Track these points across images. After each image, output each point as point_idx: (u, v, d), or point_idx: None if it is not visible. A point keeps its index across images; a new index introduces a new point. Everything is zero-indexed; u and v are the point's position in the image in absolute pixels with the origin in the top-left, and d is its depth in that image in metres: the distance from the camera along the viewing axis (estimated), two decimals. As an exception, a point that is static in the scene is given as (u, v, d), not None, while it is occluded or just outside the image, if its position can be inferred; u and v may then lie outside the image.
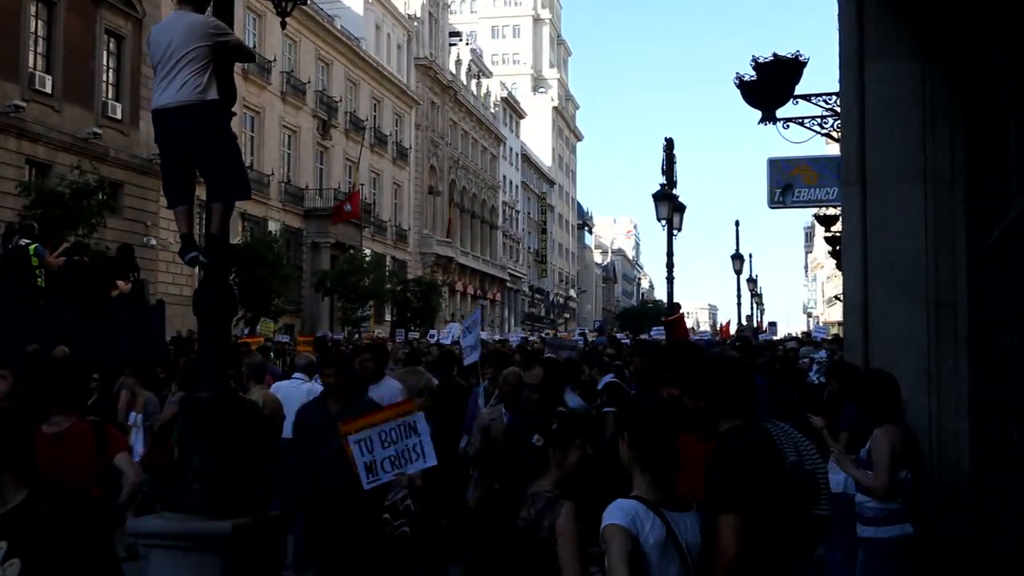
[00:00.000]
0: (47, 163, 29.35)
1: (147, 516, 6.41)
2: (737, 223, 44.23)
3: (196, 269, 6.22)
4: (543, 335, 31.61)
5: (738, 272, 44.22)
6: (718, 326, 71.97)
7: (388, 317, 50.29)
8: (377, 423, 6.77)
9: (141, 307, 15.31)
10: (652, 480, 3.95)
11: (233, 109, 6.35)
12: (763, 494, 4.09)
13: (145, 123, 32.18)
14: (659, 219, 24.17)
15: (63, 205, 23.20)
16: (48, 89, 29.75)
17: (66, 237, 15.88)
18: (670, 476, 3.99)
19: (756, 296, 61.61)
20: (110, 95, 32.92)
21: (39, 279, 13.63)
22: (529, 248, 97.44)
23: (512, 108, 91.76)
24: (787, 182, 17.01)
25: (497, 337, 38.47)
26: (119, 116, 32.82)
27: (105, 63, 32.74)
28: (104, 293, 14.24)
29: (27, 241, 13.88)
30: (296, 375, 10.91)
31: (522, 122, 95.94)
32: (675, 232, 24.60)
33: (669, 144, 24.84)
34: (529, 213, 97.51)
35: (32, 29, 29.57)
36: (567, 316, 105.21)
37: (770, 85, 11.66)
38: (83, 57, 31.34)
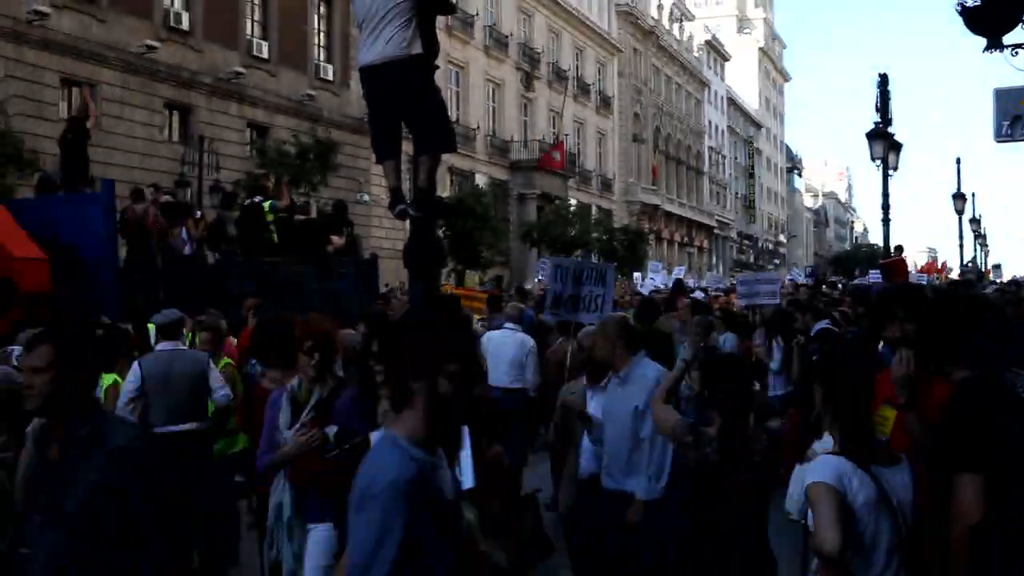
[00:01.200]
0: (266, 125, 30.75)
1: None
2: (958, 160, 41.88)
3: (407, 222, 6.33)
4: (731, 280, 30.51)
5: (960, 212, 41.92)
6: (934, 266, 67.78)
7: (594, 266, 50.31)
8: None
9: (356, 260, 15.89)
10: (849, 435, 3.75)
11: (438, 64, 6.41)
12: (1007, 452, 3.68)
13: (355, 83, 33.07)
14: (873, 159, 23.20)
15: (290, 165, 24.40)
16: (265, 55, 31.07)
17: (286, 190, 16.62)
18: (868, 431, 3.79)
19: (980, 237, 58.30)
20: (322, 58, 34.08)
21: (272, 234, 14.37)
22: (736, 193, 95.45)
23: (716, 51, 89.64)
24: (1016, 113, 16.05)
25: (692, 283, 37.29)
26: (331, 77, 33.97)
27: (316, 26, 33.89)
28: (322, 248, 14.87)
29: (260, 198, 14.66)
30: (506, 325, 11.04)
31: (727, 65, 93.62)
32: (891, 172, 23.58)
33: (883, 80, 23.74)
34: (736, 158, 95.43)
35: (249, -2, 30.96)
36: (777, 262, 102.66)
37: (996, 8, 10.89)
38: (296, 22, 32.52)
